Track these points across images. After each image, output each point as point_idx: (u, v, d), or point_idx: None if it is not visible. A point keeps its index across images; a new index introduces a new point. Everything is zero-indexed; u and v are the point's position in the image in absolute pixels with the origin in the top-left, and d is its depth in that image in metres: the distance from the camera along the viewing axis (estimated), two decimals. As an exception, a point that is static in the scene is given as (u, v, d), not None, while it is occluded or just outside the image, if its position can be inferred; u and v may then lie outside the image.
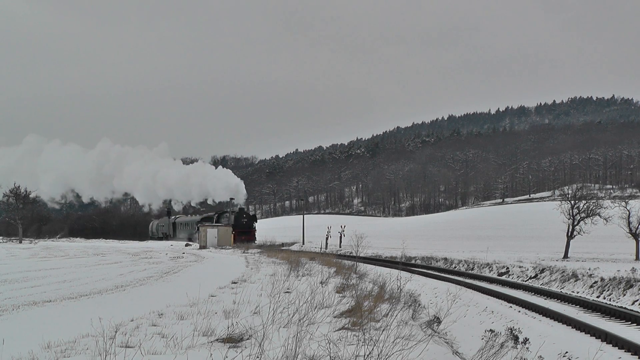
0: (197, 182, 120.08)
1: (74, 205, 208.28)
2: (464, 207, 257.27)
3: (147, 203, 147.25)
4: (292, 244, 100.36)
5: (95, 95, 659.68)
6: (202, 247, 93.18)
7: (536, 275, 43.53)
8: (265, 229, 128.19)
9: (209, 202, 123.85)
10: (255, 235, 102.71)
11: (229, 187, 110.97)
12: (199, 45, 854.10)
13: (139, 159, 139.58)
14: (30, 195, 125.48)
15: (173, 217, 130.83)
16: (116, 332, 14.30)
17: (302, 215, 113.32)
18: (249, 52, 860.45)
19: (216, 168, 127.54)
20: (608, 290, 33.84)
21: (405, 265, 49.98)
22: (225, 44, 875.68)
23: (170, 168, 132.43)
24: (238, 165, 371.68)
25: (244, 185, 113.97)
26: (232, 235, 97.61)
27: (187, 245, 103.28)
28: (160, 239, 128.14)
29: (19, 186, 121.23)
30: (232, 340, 14.30)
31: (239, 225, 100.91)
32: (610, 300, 32.13)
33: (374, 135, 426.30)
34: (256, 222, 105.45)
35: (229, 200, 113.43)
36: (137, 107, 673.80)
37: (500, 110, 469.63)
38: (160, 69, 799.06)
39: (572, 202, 61.71)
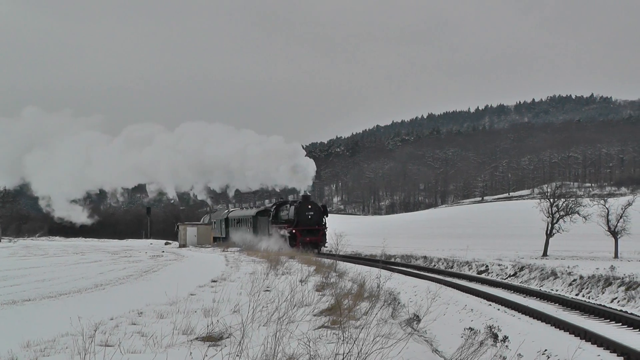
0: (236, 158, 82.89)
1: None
2: (444, 206, 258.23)
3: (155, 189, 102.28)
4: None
5: (74, 93, 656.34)
6: (182, 245, 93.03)
7: (515, 273, 43.69)
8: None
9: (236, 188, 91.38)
10: (325, 235, 72.15)
11: (288, 167, 77.26)
12: (175, 44, 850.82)
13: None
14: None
15: (226, 211, 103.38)
16: (95, 330, 14.26)
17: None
18: (226, 51, 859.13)
19: None
20: (587, 288, 34.00)
21: (385, 263, 49.99)
22: (203, 44, 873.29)
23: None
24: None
25: (314, 164, 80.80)
26: (293, 235, 70.92)
27: (166, 244, 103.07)
28: (214, 239, 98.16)
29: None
30: (212, 339, 14.31)
31: (303, 221, 70.94)
32: (589, 298, 32.28)
33: (354, 133, 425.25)
34: (327, 216, 73.95)
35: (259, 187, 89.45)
36: (124, 106, 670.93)
37: (480, 108, 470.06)
38: (143, 68, 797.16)
39: (551, 200, 62.05)
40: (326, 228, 72.16)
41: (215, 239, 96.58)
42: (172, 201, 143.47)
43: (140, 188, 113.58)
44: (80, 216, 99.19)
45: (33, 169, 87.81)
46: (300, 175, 76.28)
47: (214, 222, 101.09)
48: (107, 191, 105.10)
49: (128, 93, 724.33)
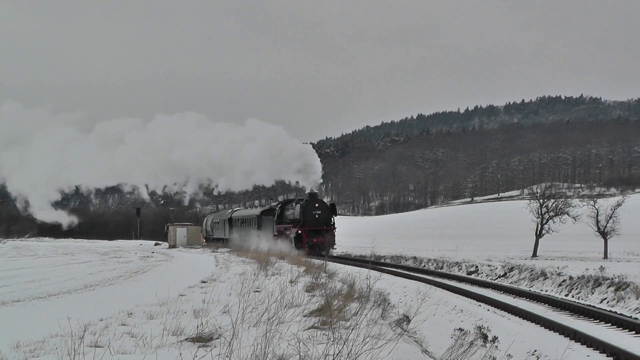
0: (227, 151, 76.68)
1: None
2: (434, 206, 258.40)
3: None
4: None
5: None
6: (172, 246, 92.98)
7: (505, 273, 43.69)
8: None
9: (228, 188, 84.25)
10: (334, 236, 66.85)
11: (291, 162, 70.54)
12: (163, 42, 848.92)
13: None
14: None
15: (230, 210, 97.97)
16: (85, 331, 14.21)
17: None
18: (214, 51, 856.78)
19: None
20: (576, 288, 34.02)
21: (375, 264, 49.82)
22: (190, 43, 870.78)
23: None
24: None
25: (319, 161, 72.88)
26: (299, 236, 65.25)
27: (156, 244, 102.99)
28: (217, 240, 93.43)
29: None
30: (202, 340, 14.30)
31: (310, 220, 65.40)
32: (578, 298, 32.30)
33: (344, 134, 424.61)
34: (335, 215, 68.96)
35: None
36: (113, 104, 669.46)
37: (470, 109, 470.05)
38: (133, 66, 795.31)
39: (541, 201, 62.08)
40: (335, 228, 67.00)
41: (217, 239, 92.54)
42: (160, 201, 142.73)
43: (116, 189, 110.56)
44: (61, 218, 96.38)
45: (9, 167, 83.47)
46: (307, 169, 70.04)
47: (217, 223, 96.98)
48: (83, 192, 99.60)
49: (118, 91, 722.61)
